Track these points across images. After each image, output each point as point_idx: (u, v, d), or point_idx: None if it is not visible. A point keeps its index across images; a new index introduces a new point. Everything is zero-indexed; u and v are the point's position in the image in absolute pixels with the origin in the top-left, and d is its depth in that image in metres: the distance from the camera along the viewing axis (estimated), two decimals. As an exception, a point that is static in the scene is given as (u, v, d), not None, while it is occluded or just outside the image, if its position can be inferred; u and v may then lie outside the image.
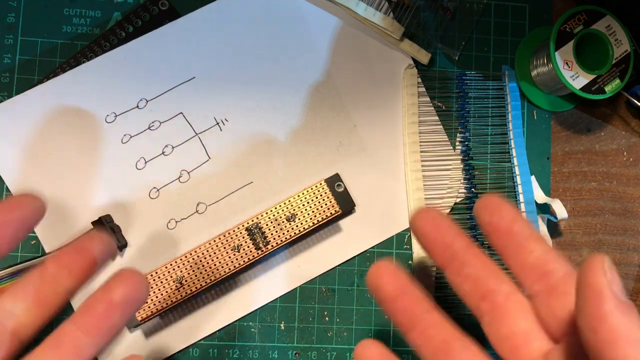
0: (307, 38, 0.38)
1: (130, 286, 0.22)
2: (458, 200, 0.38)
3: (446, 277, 0.24)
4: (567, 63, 0.35)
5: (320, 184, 0.35)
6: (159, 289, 0.33)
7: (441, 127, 0.38)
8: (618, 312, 0.18)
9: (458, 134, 0.38)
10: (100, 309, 0.21)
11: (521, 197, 0.37)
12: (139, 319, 0.33)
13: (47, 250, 0.35)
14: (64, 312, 0.35)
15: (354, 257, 0.37)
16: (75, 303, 0.35)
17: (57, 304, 0.22)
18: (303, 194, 0.34)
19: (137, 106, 0.36)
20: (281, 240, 0.34)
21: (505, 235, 0.23)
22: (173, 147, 0.36)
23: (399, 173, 0.37)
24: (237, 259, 0.34)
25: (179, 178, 0.36)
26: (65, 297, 0.22)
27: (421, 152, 0.37)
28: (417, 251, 0.37)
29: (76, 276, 0.22)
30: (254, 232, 0.34)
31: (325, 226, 0.37)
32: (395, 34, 0.37)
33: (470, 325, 0.23)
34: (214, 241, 0.34)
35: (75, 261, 0.22)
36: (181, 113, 0.37)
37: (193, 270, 0.33)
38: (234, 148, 0.37)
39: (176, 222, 0.36)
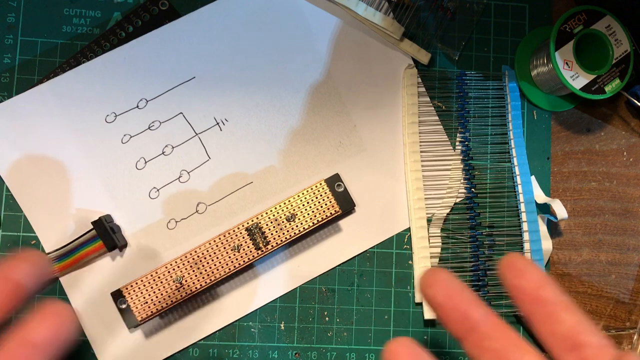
0: (307, 38, 0.38)
1: (53, 326, 0.20)
2: (458, 200, 0.38)
3: (463, 348, 0.22)
4: (567, 63, 0.35)
5: (320, 184, 0.35)
6: (159, 289, 0.33)
7: (441, 127, 0.38)
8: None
9: (458, 134, 0.38)
10: (17, 352, 0.19)
11: (521, 197, 0.37)
12: (139, 319, 0.33)
13: (47, 250, 0.35)
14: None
15: (354, 257, 0.37)
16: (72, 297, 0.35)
17: None
18: (303, 194, 0.34)
19: (137, 106, 0.36)
20: (281, 240, 0.34)
21: (533, 302, 0.22)
22: (173, 147, 0.36)
23: (399, 173, 0.37)
24: (237, 259, 0.34)
25: (179, 178, 0.36)
26: None
27: (421, 152, 0.37)
28: (417, 252, 0.37)
29: (3, 304, 0.20)
30: (254, 232, 0.34)
31: (325, 226, 0.37)
32: (395, 34, 0.37)
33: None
34: (214, 241, 0.34)
35: (1, 289, 0.20)
36: (181, 113, 0.37)
37: (193, 270, 0.33)
38: (234, 148, 0.37)
39: (176, 222, 0.36)
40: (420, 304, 0.37)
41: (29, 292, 0.21)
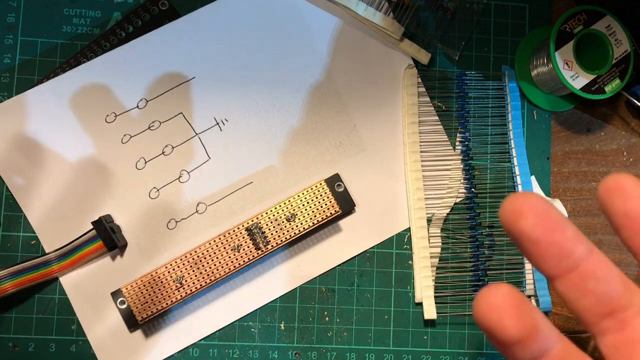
0: (307, 38, 0.38)
1: None
2: (458, 200, 0.38)
3: (556, 288, 0.19)
4: (567, 63, 0.35)
5: (320, 184, 0.35)
6: (159, 289, 0.33)
7: (441, 127, 0.38)
8: None
9: (458, 134, 0.38)
10: None
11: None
12: (139, 319, 0.33)
13: (47, 250, 0.35)
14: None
15: (354, 257, 0.37)
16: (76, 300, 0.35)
17: None
18: (303, 194, 0.34)
19: (137, 106, 0.36)
20: (281, 240, 0.34)
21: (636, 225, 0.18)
22: (173, 147, 0.36)
23: (399, 173, 0.37)
24: (237, 259, 0.34)
25: (179, 178, 0.36)
26: None
27: (421, 152, 0.37)
28: (417, 252, 0.37)
29: None
30: (254, 232, 0.34)
31: (325, 226, 0.37)
32: (395, 34, 0.37)
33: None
34: (214, 241, 0.34)
35: None
36: (181, 113, 0.37)
37: (193, 270, 0.33)
38: (234, 148, 0.37)
39: (176, 222, 0.36)
40: (420, 304, 0.37)
41: None
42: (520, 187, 0.37)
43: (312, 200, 0.34)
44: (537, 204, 0.17)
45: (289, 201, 0.34)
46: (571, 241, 0.18)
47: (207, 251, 0.34)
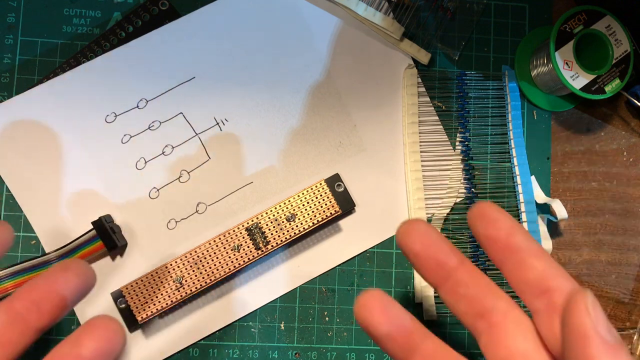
0: (307, 38, 0.38)
1: (102, 339, 0.20)
2: (458, 200, 0.38)
3: (440, 295, 0.23)
4: (567, 63, 0.35)
5: (320, 184, 0.35)
6: (159, 289, 0.33)
7: (441, 127, 0.38)
8: (605, 356, 0.17)
9: (458, 134, 0.38)
10: None
11: (521, 197, 0.37)
12: (139, 319, 0.33)
13: (47, 250, 0.35)
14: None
15: (354, 257, 0.37)
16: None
17: (24, 343, 0.20)
18: (303, 194, 0.34)
19: (137, 106, 0.36)
20: (281, 240, 0.34)
21: (504, 249, 0.22)
22: (173, 147, 0.36)
23: (399, 173, 0.37)
24: (237, 259, 0.34)
25: (179, 178, 0.36)
26: (33, 337, 0.20)
27: (421, 152, 0.37)
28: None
29: (46, 316, 0.20)
30: (254, 232, 0.34)
31: (325, 226, 0.37)
32: (395, 34, 0.37)
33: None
34: (214, 241, 0.34)
35: (45, 300, 0.20)
36: (181, 113, 0.37)
37: (193, 270, 0.33)
38: (234, 148, 0.37)
39: (176, 222, 0.36)
40: (420, 304, 0.37)
41: (72, 304, 0.21)
42: (520, 187, 0.37)
43: (312, 200, 0.35)
44: (419, 228, 0.23)
45: (289, 201, 0.34)
46: (445, 254, 0.22)
47: (207, 251, 0.34)
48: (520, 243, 0.22)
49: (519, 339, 0.21)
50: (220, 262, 0.34)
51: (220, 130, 0.37)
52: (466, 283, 0.22)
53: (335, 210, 0.35)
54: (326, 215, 0.34)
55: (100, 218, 0.34)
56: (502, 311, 0.22)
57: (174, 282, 0.33)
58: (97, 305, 0.35)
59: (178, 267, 0.33)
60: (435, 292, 0.36)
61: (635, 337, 0.37)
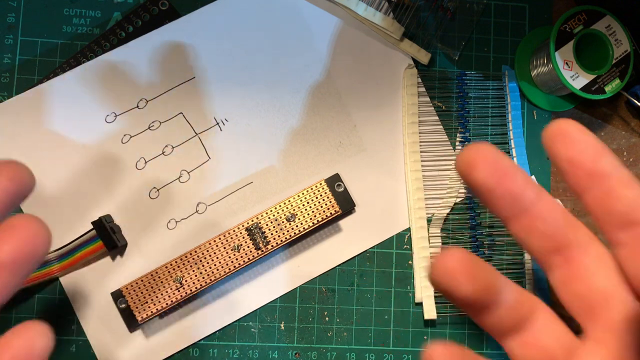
0: (307, 38, 0.38)
1: (21, 241, 0.18)
2: (458, 200, 0.38)
3: (509, 228, 0.20)
4: (567, 63, 0.35)
5: (320, 184, 0.35)
6: (159, 289, 0.33)
7: (441, 127, 0.38)
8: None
9: (458, 134, 0.38)
10: None
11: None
12: (139, 319, 0.33)
13: (47, 250, 0.35)
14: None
15: (354, 257, 0.37)
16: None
17: None
18: (303, 194, 0.34)
19: (137, 106, 0.36)
20: (281, 240, 0.34)
21: (589, 176, 0.19)
22: (173, 147, 0.36)
23: (399, 173, 0.37)
24: (237, 259, 0.34)
25: (179, 178, 0.36)
26: None
27: (421, 152, 0.37)
28: (417, 252, 0.37)
29: None
30: (254, 232, 0.34)
31: (325, 226, 0.37)
32: (395, 34, 0.37)
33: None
34: (214, 241, 0.34)
35: None
36: (181, 113, 0.37)
37: (193, 270, 0.33)
38: (234, 148, 0.37)
39: (176, 222, 0.36)
40: (420, 304, 0.37)
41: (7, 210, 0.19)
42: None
43: (312, 200, 0.35)
44: (488, 155, 0.19)
45: (289, 201, 0.34)
46: (521, 187, 0.19)
47: (207, 251, 0.34)
48: (607, 169, 0.19)
49: (599, 275, 0.19)
50: (220, 262, 0.34)
51: (220, 130, 0.37)
52: (544, 218, 0.20)
53: (335, 210, 0.35)
54: (326, 215, 0.34)
55: (100, 218, 0.34)
56: (582, 245, 0.20)
57: (174, 282, 0.33)
58: (98, 305, 0.35)
59: (178, 267, 0.33)
60: (435, 292, 0.36)
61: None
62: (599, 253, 0.20)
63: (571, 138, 0.19)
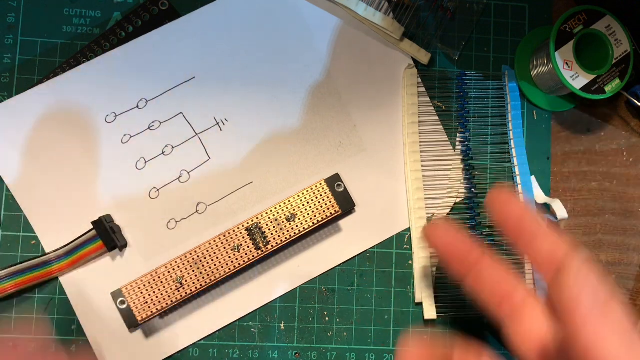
0: (307, 38, 0.38)
1: None
2: (458, 200, 0.38)
3: (466, 286, 0.26)
4: (567, 63, 0.35)
5: (320, 184, 0.35)
6: (159, 289, 0.33)
7: (441, 127, 0.38)
8: (594, 320, 0.20)
9: (458, 134, 0.38)
10: None
11: (521, 197, 0.37)
12: (139, 319, 0.33)
13: (47, 250, 0.35)
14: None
15: (354, 257, 0.37)
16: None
17: None
18: (303, 194, 0.34)
19: (137, 106, 0.36)
20: (281, 240, 0.34)
21: (516, 230, 0.25)
22: (173, 147, 0.36)
23: (399, 173, 0.37)
24: (237, 259, 0.34)
25: (179, 178, 0.36)
26: None
27: (421, 152, 0.37)
28: (417, 252, 0.37)
29: None
30: (254, 232, 0.34)
31: (325, 226, 0.37)
32: (395, 34, 0.37)
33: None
34: (214, 241, 0.34)
35: None
36: (181, 113, 0.37)
37: (193, 270, 0.33)
38: (234, 148, 0.37)
39: (176, 222, 0.36)
40: (420, 304, 0.37)
41: None
42: (520, 187, 0.37)
43: (312, 200, 0.35)
44: (441, 229, 0.27)
45: (289, 201, 0.34)
46: (468, 249, 0.26)
47: (207, 251, 0.34)
48: (530, 222, 0.25)
49: (537, 321, 0.24)
50: (220, 262, 0.34)
51: (220, 130, 0.37)
52: (488, 269, 0.26)
53: (335, 210, 0.35)
54: (326, 215, 0.34)
55: (100, 218, 0.34)
56: (521, 296, 0.25)
57: (174, 282, 0.33)
58: (97, 305, 0.35)
59: (178, 267, 0.33)
60: (435, 292, 0.36)
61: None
62: (535, 302, 0.25)
63: (505, 202, 0.26)
